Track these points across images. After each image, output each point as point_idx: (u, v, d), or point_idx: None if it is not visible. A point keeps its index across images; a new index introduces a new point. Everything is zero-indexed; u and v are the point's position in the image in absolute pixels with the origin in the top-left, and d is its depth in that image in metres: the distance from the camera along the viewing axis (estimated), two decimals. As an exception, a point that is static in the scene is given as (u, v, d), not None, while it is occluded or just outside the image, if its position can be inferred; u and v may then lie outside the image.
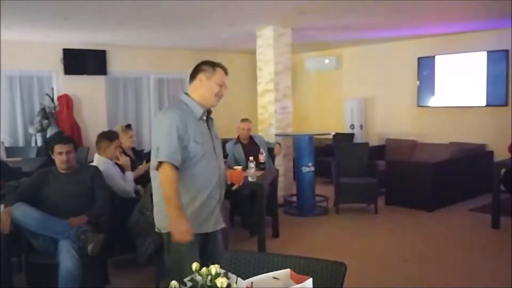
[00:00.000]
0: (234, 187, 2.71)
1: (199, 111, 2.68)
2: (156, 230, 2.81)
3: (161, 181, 2.56)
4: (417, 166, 7.15)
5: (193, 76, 2.74)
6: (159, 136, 2.61)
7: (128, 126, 5.40)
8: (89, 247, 3.35)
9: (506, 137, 7.15)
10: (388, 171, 7.22)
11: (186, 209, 2.58)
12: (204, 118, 2.73)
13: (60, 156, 3.78)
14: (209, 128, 2.76)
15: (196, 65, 2.78)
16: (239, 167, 5.11)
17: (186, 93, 2.75)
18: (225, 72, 2.76)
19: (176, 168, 2.54)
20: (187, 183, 2.62)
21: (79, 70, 8.50)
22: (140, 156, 5.46)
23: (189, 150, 2.59)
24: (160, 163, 2.55)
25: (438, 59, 8.49)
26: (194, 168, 2.64)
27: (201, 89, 2.71)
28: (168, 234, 2.60)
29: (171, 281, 1.41)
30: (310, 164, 6.73)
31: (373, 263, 4.73)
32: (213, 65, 2.73)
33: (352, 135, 9.43)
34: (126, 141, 5.13)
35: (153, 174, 2.70)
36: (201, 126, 2.69)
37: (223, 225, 2.81)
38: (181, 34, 7.81)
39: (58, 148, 3.80)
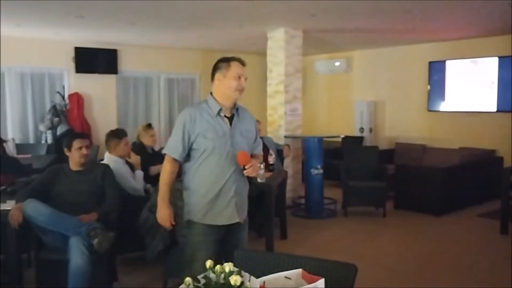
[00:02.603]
0: (245, 171, 2.72)
1: (216, 108, 2.75)
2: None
3: (161, 173, 2.84)
4: (426, 171, 7.11)
5: (212, 76, 2.84)
6: (172, 134, 2.82)
7: (149, 125, 5.49)
8: (96, 241, 3.37)
9: (516, 143, 7.11)
10: (397, 175, 7.20)
11: (201, 200, 2.76)
12: (223, 114, 2.77)
13: (80, 150, 3.82)
14: (231, 124, 2.79)
15: (213, 65, 2.84)
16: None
17: (211, 92, 2.85)
18: (242, 63, 2.80)
19: (175, 160, 2.78)
20: (202, 176, 2.77)
21: (90, 68, 8.57)
22: (157, 155, 5.51)
23: (197, 144, 2.73)
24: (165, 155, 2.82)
25: (449, 64, 8.45)
26: (206, 162, 2.74)
27: (220, 88, 2.78)
28: (185, 223, 2.84)
29: (186, 272, 1.42)
30: (319, 166, 6.72)
31: (381, 267, 4.71)
32: (228, 60, 2.79)
33: (361, 138, 9.41)
34: (147, 140, 5.27)
35: (185, 167, 2.85)
36: (217, 122, 2.75)
37: (237, 220, 2.83)
38: (192, 34, 7.85)
39: (77, 143, 3.84)
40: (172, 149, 2.76)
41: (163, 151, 2.82)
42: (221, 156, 2.73)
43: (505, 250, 5.28)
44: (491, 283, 4.25)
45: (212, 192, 2.75)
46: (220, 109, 2.75)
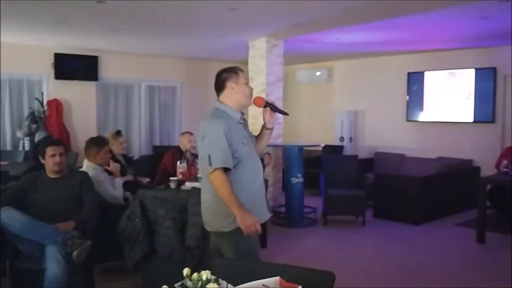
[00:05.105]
0: (265, 110, 2.90)
1: (237, 116, 2.83)
2: (213, 230, 2.85)
3: (216, 186, 2.67)
4: (405, 180, 7.20)
5: (221, 87, 2.85)
6: (210, 145, 2.71)
7: (118, 133, 5.41)
8: (75, 253, 3.33)
9: (492, 153, 7.25)
10: (376, 184, 7.27)
11: (246, 205, 2.68)
12: (242, 121, 2.86)
13: (53, 158, 3.77)
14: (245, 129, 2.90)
15: (217, 76, 2.88)
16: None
17: (220, 101, 2.85)
18: (242, 71, 2.91)
19: (225, 170, 2.68)
20: (245, 182, 2.76)
21: (70, 75, 8.48)
22: (130, 163, 5.45)
23: (239, 153, 2.73)
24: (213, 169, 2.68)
25: (427, 75, 8.60)
26: (245, 168, 2.78)
27: (235, 96, 2.83)
28: (231, 232, 2.71)
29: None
30: (299, 175, 6.75)
31: (360, 275, 4.74)
32: (233, 70, 2.87)
33: (341, 147, 9.48)
34: (116, 147, 5.14)
35: (205, 181, 2.82)
36: (242, 129, 2.84)
37: (270, 215, 2.95)
38: (174, 42, 7.84)
39: (50, 150, 3.79)
40: (225, 160, 2.66)
41: (215, 166, 2.65)
42: (254, 160, 2.84)
43: (481, 259, 5.37)
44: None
45: (253, 195, 2.80)
46: (241, 116, 2.85)
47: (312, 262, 4.93)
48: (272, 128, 3.01)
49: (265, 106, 2.91)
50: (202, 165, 2.83)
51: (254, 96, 2.92)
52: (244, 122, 2.92)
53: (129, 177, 4.82)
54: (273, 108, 2.94)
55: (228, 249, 2.77)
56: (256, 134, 3.04)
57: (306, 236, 6.24)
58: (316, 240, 6.10)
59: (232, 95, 2.83)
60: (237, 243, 2.74)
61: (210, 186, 2.74)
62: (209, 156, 2.67)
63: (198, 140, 2.83)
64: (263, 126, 3.02)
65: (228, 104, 2.83)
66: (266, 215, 2.92)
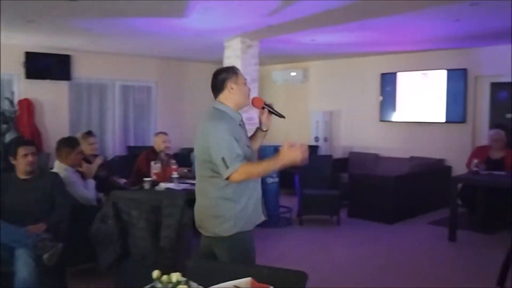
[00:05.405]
0: (263, 111, 2.86)
1: (238, 117, 2.78)
2: (210, 235, 2.75)
3: (249, 176, 2.63)
4: (379, 179, 7.28)
5: (220, 87, 2.78)
6: (220, 147, 2.60)
7: (89, 133, 5.31)
8: (46, 256, 3.27)
9: (464, 152, 7.39)
10: (351, 184, 7.34)
11: (247, 208, 2.71)
12: (241, 123, 2.80)
13: (26, 158, 3.70)
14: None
15: (215, 76, 2.81)
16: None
17: (220, 102, 2.78)
18: (239, 70, 2.86)
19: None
20: (246, 186, 2.70)
21: (41, 74, 8.32)
22: (102, 164, 5.36)
23: (245, 155, 2.66)
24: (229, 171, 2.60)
25: (400, 76, 8.72)
26: None
27: (234, 96, 2.76)
28: (231, 237, 2.66)
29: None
30: (274, 175, 6.77)
31: (334, 274, 4.78)
32: (232, 70, 2.82)
33: (316, 147, 9.55)
34: (86, 148, 5.03)
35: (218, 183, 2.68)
36: (243, 130, 2.79)
37: (264, 217, 2.90)
38: (148, 42, 7.77)
39: (22, 150, 3.72)
40: (241, 156, 2.59)
41: (234, 167, 2.55)
42: (254, 158, 2.79)
43: (453, 257, 5.47)
44: (439, 289, 4.39)
45: (253, 199, 2.76)
46: (241, 118, 2.80)
47: (287, 263, 4.96)
48: (267, 131, 2.95)
49: (263, 108, 2.87)
50: (200, 168, 2.74)
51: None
52: (243, 125, 2.85)
53: (99, 160, 4.79)
54: (271, 110, 2.88)
55: (225, 253, 2.69)
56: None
57: (281, 236, 6.26)
58: (291, 240, 6.13)
59: (232, 95, 2.76)
60: (235, 248, 2.69)
61: (208, 189, 2.68)
62: (223, 159, 2.56)
63: (197, 142, 2.74)
64: (258, 128, 2.96)
65: (228, 104, 2.76)
66: (261, 218, 2.87)
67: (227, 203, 2.67)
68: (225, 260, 2.68)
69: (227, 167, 2.57)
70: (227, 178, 2.60)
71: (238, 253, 2.69)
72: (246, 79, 2.85)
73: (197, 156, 2.76)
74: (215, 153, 2.60)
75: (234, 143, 2.60)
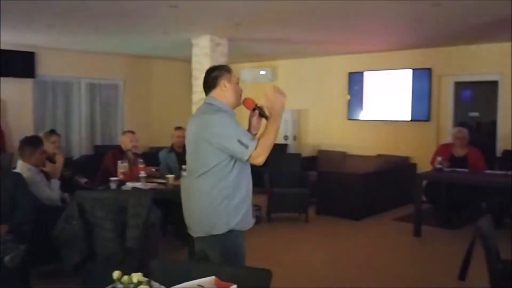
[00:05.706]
0: (255, 112, 2.80)
1: (232, 113, 2.74)
2: (201, 235, 2.71)
3: (268, 148, 2.59)
4: (346, 177, 7.39)
5: (212, 84, 2.74)
6: (230, 133, 2.57)
7: (51, 132, 5.20)
8: (8, 258, 3.19)
9: (428, 150, 7.55)
10: (319, 182, 7.42)
11: (242, 206, 2.69)
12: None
13: None
14: None
15: (208, 73, 2.78)
16: (171, 176, 5.09)
17: (213, 97, 2.73)
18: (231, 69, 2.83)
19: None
20: (241, 180, 2.67)
21: (4, 71, 8.08)
22: (67, 163, 5.27)
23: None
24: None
25: (367, 75, 8.86)
26: (244, 171, 2.70)
27: (227, 94, 2.73)
28: (222, 236, 2.62)
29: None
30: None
31: (302, 271, 4.82)
32: (225, 68, 2.79)
33: (285, 145, 9.60)
34: (48, 146, 4.92)
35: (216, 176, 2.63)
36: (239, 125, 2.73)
37: (253, 221, 2.88)
38: (115, 39, 7.66)
39: None
40: (250, 135, 2.62)
41: (252, 146, 2.52)
42: (248, 164, 2.70)
43: (418, 252, 5.60)
44: (406, 283, 4.47)
45: (247, 200, 2.73)
46: (234, 114, 2.76)
47: (255, 261, 4.96)
48: (256, 134, 2.79)
49: (254, 109, 2.79)
50: (194, 165, 2.69)
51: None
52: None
53: (62, 157, 4.72)
54: (262, 112, 2.77)
55: (215, 254, 2.66)
56: None
57: (251, 234, 6.22)
58: (260, 238, 6.14)
59: (224, 93, 2.72)
60: (225, 248, 2.64)
61: (203, 186, 2.62)
62: (239, 141, 2.52)
63: (190, 138, 2.69)
64: (247, 131, 2.80)
65: (222, 101, 2.72)
66: (252, 222, 2.85)
67: (220, 200, 2.62)
68: (217, 261, 2.63)
69: (246, 147, 2.52)
70: (247, 160, 2.57)
71: (227, 254, 2.64)
72: (238, 79, 2.83)
73: (190, 152, 2.71)
74: (229, 140, 2.55)
75: (240, 127, 2.59)
